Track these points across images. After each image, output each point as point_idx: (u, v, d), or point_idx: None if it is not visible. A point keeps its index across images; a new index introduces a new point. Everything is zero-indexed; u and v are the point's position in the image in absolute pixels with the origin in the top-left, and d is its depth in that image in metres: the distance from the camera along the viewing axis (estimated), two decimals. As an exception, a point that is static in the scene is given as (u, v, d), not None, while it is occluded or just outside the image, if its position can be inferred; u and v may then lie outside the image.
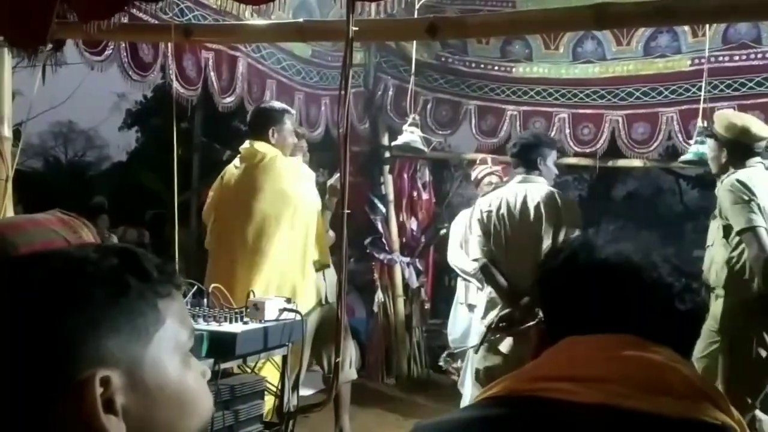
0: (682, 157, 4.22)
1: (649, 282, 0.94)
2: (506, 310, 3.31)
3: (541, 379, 0.93)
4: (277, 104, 3.75)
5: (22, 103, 3.19)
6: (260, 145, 3.47)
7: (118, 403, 0.66)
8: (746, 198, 3.07)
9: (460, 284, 4.77)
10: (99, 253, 0.70)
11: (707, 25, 4.50)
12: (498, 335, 3.35)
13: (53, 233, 1.22)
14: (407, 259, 5.91)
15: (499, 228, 3.46)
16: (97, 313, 0.67)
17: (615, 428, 0.86)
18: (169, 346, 0.72)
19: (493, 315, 3.40)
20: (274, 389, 2.65)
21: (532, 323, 3.01)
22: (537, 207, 3.39)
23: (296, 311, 2.53)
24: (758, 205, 3.06)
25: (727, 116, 3.37)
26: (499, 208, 3.48)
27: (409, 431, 0.97)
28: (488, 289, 3.56)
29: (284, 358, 2.59)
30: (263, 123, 3.55)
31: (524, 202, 3.43)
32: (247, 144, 3.53)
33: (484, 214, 3.54)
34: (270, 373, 2.77)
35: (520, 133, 4.06)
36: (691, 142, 4.25)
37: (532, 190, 3.47)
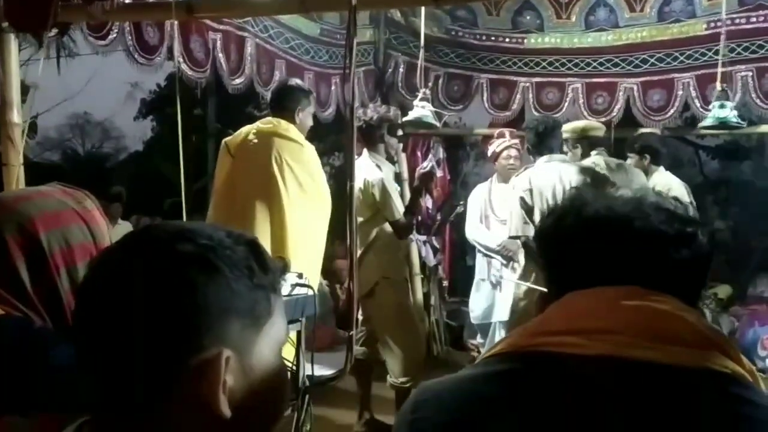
0: (702, 123, 4.16)
1: (639, 231, 0.90)
2: None
3: (546, 334, 0.91)
4: (303, 84, 3.64)
5: (37, 95, 3.18)
6: (291, 128, 3.31)
7: (228, 385, 0.67)
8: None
9: (481, 260, 4.73)
10: (232, 238, 0.72)
11: (723, -13, 4.39)
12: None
13: (61, 203, 1.24)
14: (423, 237, 5.87)
15: (545, 204, 3.52)
16: (227, 292, 0.68)
17: (622, 379, 0.84)
18: (273, 339, 0.74)
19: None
20: (290, 365, 2.66)
21: None
22: (575, 182, 3.46)
23: (308, 286, 2.53)
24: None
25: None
26: (533, 187, 3.56)
27: (415, 391, 0.96)
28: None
29: (298, 333, 2.59)
30: (289, 101, 3.39)
31: (560, 180, 3.51)
32: (271, 119, 3.36)
33: (525, 193, 3.56)
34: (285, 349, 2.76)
35: (531, 119, 4.15)
36: (709, 107, 4.18)
37: (565, 167, 3.58)
